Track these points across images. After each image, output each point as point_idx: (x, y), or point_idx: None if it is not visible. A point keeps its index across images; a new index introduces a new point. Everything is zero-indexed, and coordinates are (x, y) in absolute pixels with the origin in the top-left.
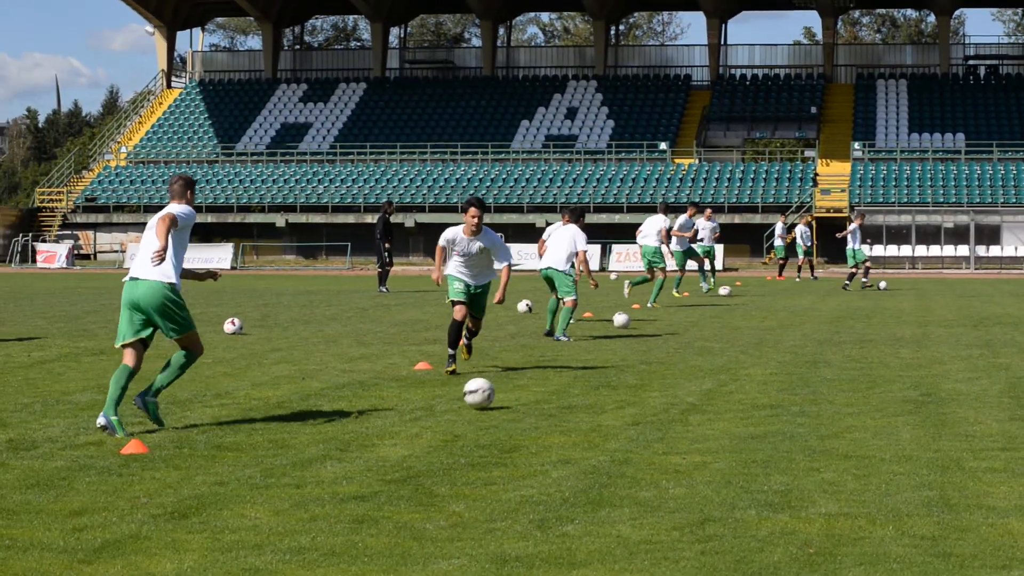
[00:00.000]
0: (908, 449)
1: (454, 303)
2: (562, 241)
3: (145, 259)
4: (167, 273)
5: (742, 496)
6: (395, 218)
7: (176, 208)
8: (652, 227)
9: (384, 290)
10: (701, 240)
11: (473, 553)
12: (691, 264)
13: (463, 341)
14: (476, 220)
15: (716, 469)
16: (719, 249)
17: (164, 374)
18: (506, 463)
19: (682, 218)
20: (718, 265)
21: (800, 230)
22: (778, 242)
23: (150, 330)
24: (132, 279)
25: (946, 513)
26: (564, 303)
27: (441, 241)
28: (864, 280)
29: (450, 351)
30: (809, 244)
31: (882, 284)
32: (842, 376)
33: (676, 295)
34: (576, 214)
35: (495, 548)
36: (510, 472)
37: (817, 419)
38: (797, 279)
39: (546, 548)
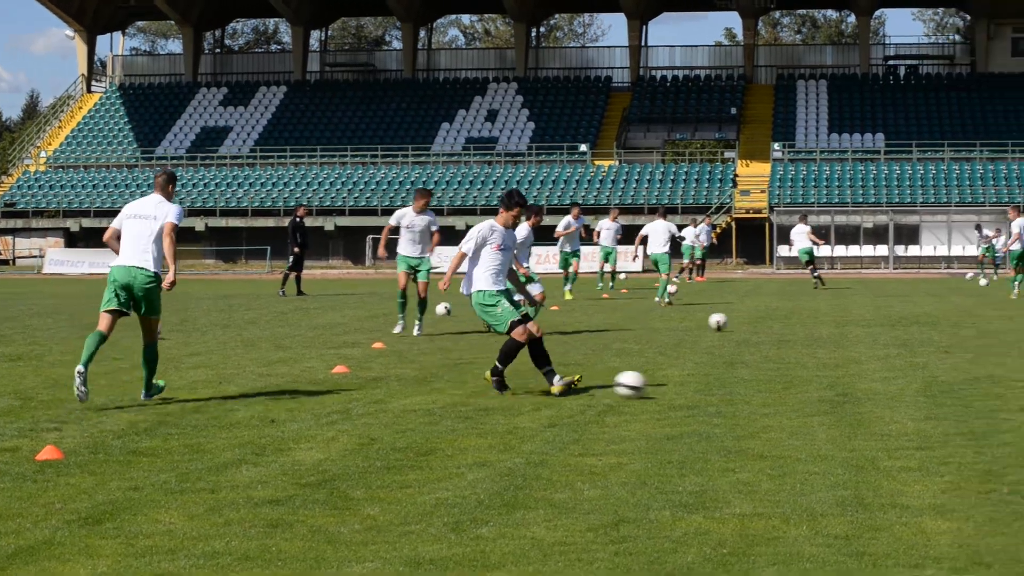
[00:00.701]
0: (823, 449)
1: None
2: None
3: (138, 249)
4: (158, 265)
5: (657, 497)
6: (315, 222)
7: (173, 213)
8: (660, 234)
9: (283, 294)
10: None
11: (387, 556)
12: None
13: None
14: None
15: (631, 470)
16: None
17: (147, 372)
18: (422, 466)
19: (566, 219)
20: (639, 266)
21: (703, 229)
22: (688, 243)
23: (129, 310)
24: (125, 266)
25: (860, 512)
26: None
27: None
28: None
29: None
30: (707, 245)
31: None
32: (759, 376)
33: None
34: (531, 211)
35: (409, 551)
36: (425, 475)
37: (733, 420)
38: (688, 279)
39: (460, 550)
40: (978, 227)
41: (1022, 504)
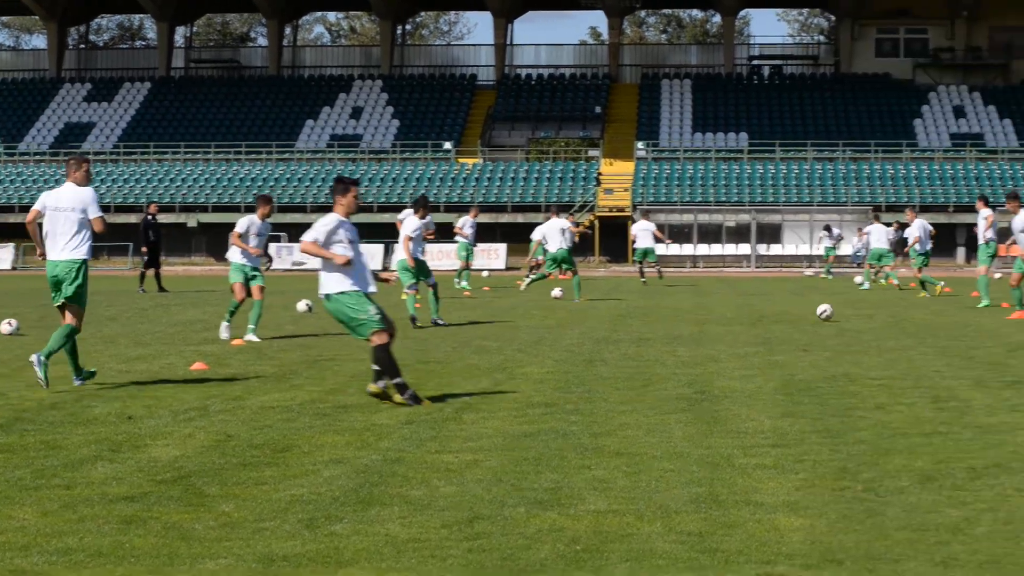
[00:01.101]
0: (679, 446)
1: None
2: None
3: (59, 244)
4: (85, 252)
5: (512, 494)
6: (178, 218)
7: (94, 207)
8: (556, 232)
9: (142, 291)
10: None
11: (240, 553)
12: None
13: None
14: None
15: (487, 467)
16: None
17: (53, 343)
18: (278, 463)
19: (413, 219)
20: (502, 264)
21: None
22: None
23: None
24: (52, 261)
25: (714, 509)
26: (430, 285)
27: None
28: (644, 278)
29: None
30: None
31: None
32: (618, 374)
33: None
34: (417, 204)
35: (263, 548)
36: (282, 472)
37: (591, 417)
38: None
39: (314, 547)
40: (827, 227)
41: (875, 501)
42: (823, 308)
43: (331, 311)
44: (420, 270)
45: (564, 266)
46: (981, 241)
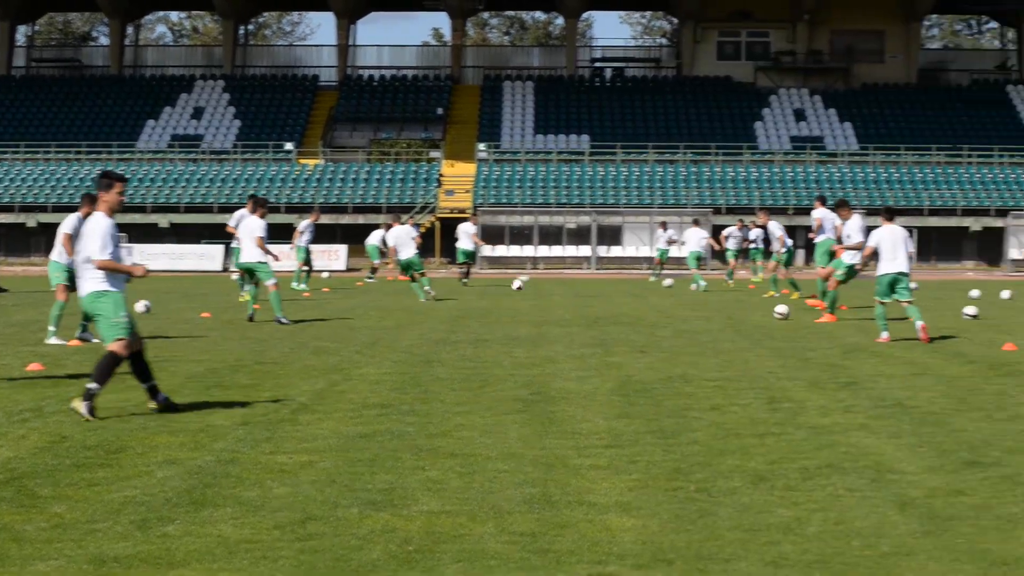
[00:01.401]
0: (514, 447)
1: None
2: (249, 232)
3: None
4: None
5: (345, 495)
6: (17, 218)
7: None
8: (406, 237)
9: None
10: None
11: (72, 554)
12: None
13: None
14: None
15: (322, 468)
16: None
17: None
18: (111, 464)
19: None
20: (343, 265)
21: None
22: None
23: None
24: None
25: (547, 510)
26: (269, 287)
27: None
28: (465, 280)
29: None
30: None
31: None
32: (454, 375)
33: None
34: (255, 203)
35: (94, 549)
36: (115, 473)
37: (426, 418)
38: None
39: (146, 548)
40: (663, 224)
41: (708, 502)
42: (781, 309)
43: (87, 307)
44: (262, 271)
45: (414, 270)
46: (817, 240)
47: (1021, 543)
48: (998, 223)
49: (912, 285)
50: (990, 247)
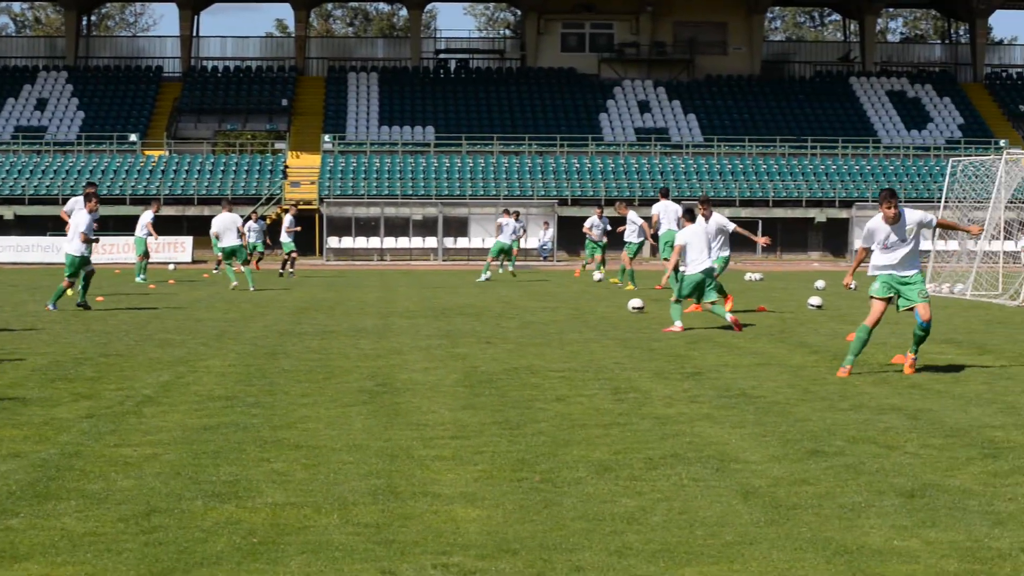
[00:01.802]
0: (359, 438)
1: None
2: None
3: None
4: None
5: (190, 487)
6: None
7: None
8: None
9: None
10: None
11: None
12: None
13: None
14: None
15: (166, 460)
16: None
17: None
18: None
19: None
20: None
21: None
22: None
23: None
24: None
25: (392, 501)
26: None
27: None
28: (291, 271)
29: None
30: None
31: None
32: (300, 367)
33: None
34: (89, 196)
35: None
36: None
37: (271, 410)
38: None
39: None
40: (516, 215)
41: (552, 492)
42: (636, 303)
43: None
44: (84, 262)
45: (236, 259)
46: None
47: (863, 531)
48: (843, 214)
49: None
50: (835, 238)
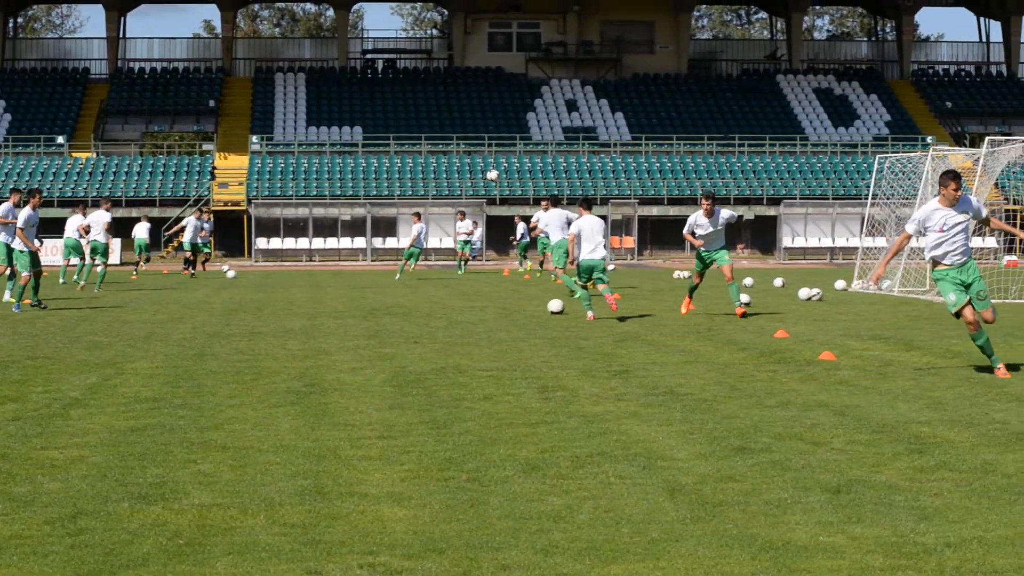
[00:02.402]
0: (286, 439)
1: None
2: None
3: None
4: None
5: (116, 489)
6: None
7: None
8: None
9: None
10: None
11: None
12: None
13: None
14: None
15: (93, 463)
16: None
17: None
18: None
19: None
20: (115, 259)
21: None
22: (186, 237)
23: None
24: None
25: (319, 501)
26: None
27: None
28: (193, 271)
29: None
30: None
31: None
32: (227, 368)
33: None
34: (23, 196)
35: None
36: None
37: (199, 411)
38: (192, 274)
39: None
40: (462, 214)
41: (479, 491)
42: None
43: None
44: (33, 262)
45: (97, 254)
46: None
47: (789, 527)
48: (771, 211)
49: (685, 274)
50: (763, 235)
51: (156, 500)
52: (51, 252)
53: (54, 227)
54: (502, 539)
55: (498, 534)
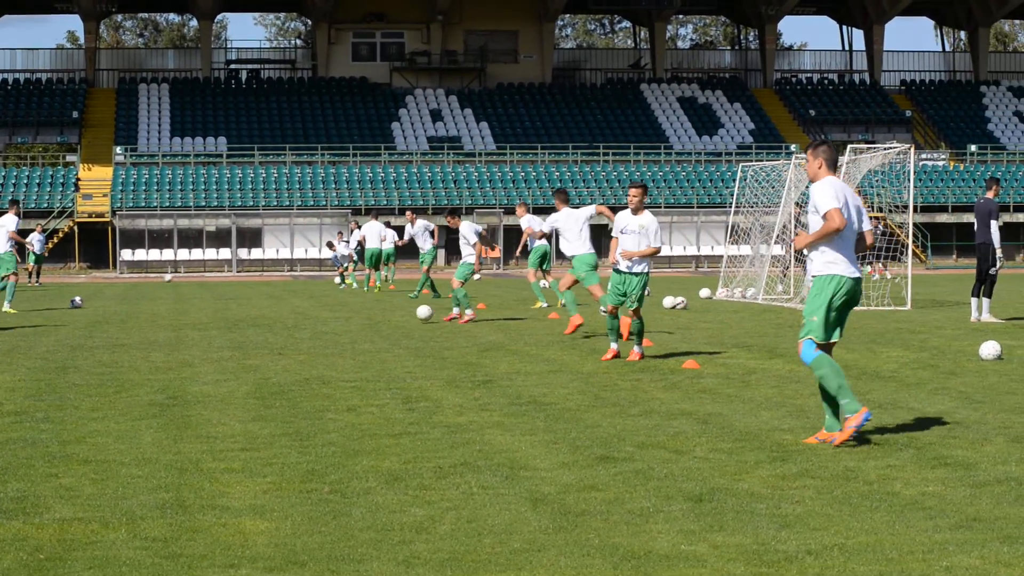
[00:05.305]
0: (148, 452)
1: None
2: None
3: None
4: None
5: None
6: None
7: None
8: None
9: None
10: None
11: None
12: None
13: None
14: None
15: None
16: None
17: None
18: None
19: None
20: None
21: (35, 237)
22: (36, 249)
23: None
24: None
25: (180, 515)
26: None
27: None
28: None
29: None
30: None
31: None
32: (90, 381)
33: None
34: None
35: None
36: None
37: (61, 424)
38: (38, 284)
39: None
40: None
41: (341, 503)
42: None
43: None
44: None
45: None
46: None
47: (651, 536)
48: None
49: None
50: None
51: (17, 515)
52: None
53: None
54: (364, 551)
55: (360, 546)
